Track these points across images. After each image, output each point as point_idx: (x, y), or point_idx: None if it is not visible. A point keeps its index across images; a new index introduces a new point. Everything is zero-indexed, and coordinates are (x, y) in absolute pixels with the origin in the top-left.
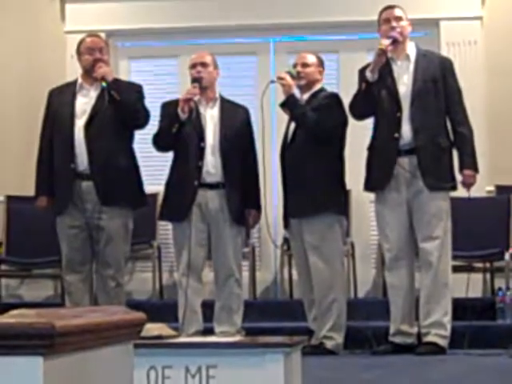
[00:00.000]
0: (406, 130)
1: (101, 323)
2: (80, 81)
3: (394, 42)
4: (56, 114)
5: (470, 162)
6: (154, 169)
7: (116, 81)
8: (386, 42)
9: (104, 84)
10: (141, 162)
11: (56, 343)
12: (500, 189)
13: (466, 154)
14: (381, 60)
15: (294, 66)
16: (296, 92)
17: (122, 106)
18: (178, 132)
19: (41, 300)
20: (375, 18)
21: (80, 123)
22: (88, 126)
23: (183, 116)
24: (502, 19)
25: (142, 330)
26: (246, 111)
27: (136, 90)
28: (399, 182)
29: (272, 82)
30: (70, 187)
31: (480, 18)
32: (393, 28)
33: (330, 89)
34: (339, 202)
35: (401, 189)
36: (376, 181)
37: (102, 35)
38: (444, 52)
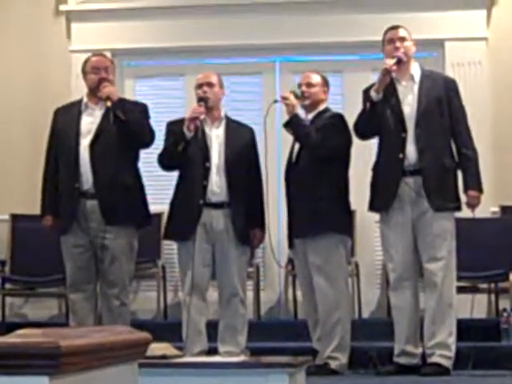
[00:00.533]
0: (411, 151)
1: (106, 343)
2: (85, 100)
3: (399, 61)
4: (61, 133)
5: (474, 182)
6: (159, 188)
7: (121, 100)
8: (391, 61)
9: (109, 104)
10: (145, 181)
11: (61, 363)
12: (505, 209)
13: (471, 174)
14: (385, 79)
15: (299, 85)
16: (301, 112)
17: (127, 126)
18: (184, 151)
19: (45, 319)
20: (379, 38)
21: (85, 142)
22: (93, 145)
23: (189, 135)
24: (506, 40)
25: (146, 349)
26: (251, 131)
27: (141, 110)
28: (404, 202)
29: (275, 101)
30: (74, 206)
31: (485, 39)
32: (397, 48)
33: (335, 109)
34: (344, 223)
35: (405, 209)
36: (380, 201)
37: (108, 54)
38: (449, 72)
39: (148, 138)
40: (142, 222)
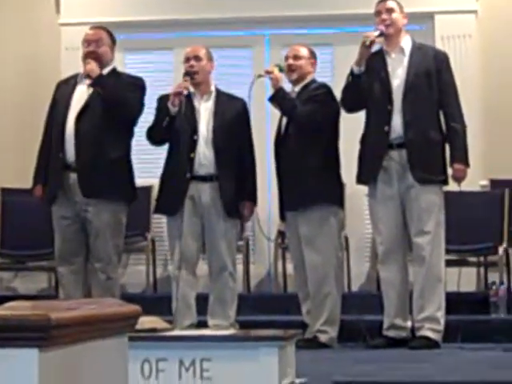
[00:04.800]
0: (397, 124)
1: (96, 316)
2: (81, 72)
3: (381, 35)
4: (56, 104)
5: (460, 155)
6: (149, 161)
7: (101, 77)
8: (373, 34)
9: (88, 82)
10: (136, 154)
11: (51, 335)
12: (494, 183)
13: (458, 147)
14: (366, 52)
15: (286, 58)
16: (288, 85)
17: (105, 101)
18: (170, 125)
19: (35, 292)
20: (370, 10)
21: (72, 115)
22: (79, 118)
23: (173, 109)
24: (496, 13)
25: (136, 322)
26: (243, 103)
27: (132, 84)
28: (391, 175)
29: (259, 76)
30: (59, 178)
31: (475, 12)
32: (383, 20)
33: (325, 82)
34: (334, 193)
35: (393, 182)
36: (367, 174)
37: None
38: (439, 45)
39: (133, 112)
40: (126, 196)
